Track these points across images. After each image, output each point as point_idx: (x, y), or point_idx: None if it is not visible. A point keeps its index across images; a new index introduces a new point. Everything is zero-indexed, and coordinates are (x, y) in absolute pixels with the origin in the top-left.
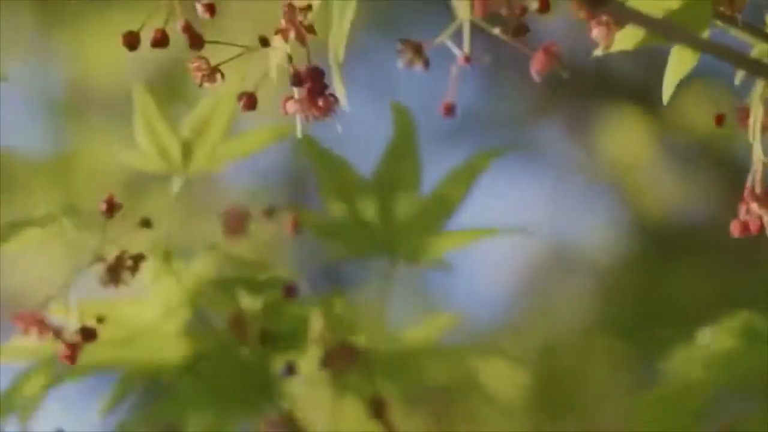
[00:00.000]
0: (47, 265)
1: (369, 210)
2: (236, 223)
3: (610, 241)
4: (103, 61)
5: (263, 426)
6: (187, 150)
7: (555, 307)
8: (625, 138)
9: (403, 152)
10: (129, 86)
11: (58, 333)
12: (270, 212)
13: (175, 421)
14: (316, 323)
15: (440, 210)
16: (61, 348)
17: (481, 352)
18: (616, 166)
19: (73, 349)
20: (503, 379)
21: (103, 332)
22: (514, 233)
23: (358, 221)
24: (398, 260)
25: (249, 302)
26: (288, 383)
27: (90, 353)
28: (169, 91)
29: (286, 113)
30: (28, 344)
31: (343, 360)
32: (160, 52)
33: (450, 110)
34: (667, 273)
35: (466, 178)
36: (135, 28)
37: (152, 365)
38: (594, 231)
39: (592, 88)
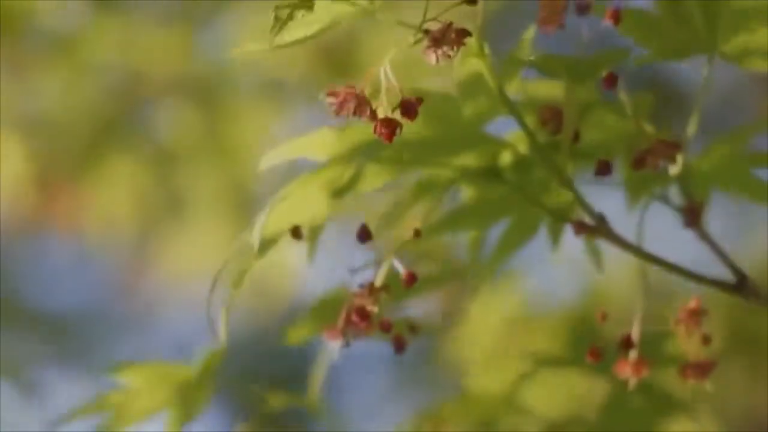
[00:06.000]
0: None
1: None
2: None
3: None
4: None
5: (575, 229)
6: None
7: None
8: None
9: None
10: None
11: (374, 111)
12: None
13: (477, 229)
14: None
15: None
16: (378, 126)
17: None
18: None
19: (392, 126)
20: None
21: (407, 129)
22: None
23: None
24: (717, 58)
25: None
26: (596, 189)
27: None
28: None
29: None
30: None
31: (657, 158)
32: None
33: None
34: None
35: None
36: None
37: (454, 168)
38: None
39: None
